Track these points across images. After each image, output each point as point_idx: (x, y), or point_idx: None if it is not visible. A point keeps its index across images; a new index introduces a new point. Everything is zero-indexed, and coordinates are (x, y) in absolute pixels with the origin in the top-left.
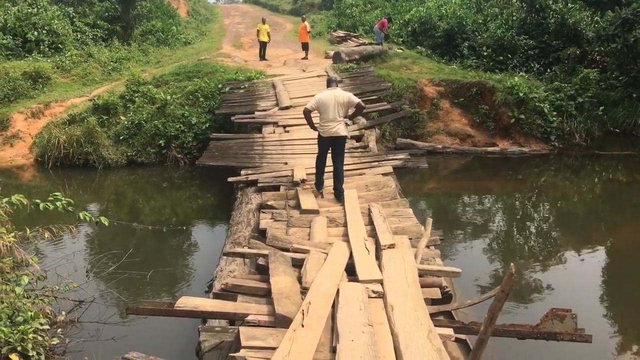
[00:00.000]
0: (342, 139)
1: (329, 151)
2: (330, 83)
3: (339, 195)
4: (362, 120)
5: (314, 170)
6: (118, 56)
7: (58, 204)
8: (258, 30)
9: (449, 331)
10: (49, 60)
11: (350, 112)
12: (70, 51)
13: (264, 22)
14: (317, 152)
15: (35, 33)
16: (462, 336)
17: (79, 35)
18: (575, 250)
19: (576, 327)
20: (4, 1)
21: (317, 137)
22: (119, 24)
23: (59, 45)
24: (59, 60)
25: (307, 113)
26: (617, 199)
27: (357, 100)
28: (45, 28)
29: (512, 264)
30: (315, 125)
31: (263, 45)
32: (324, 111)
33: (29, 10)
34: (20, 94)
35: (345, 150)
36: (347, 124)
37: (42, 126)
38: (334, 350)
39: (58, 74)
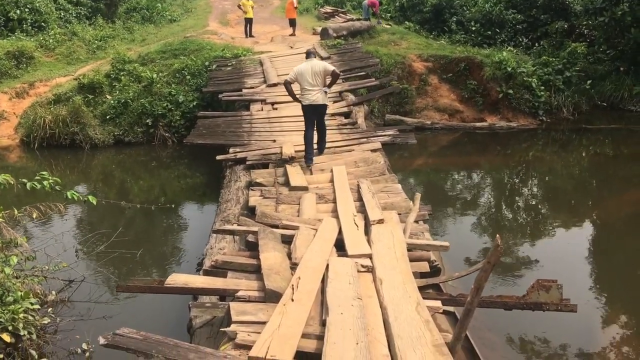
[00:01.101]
0: (322, 107)
1: (315, 124)
2: (308, 54)
3: (320, 150)
4: (351, 97)
5: (302, 147)
6: (103, 34)
7: (45, 183)
8: (240, 6)
9: (437, 303)
10: (32, 39)
11: (328, 80)
12: (53, 30)
13: None
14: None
15: (18, 11)
16: (450, 308)
17: (62, 14)
18: (562, 223)
19: (562, 297)
20: None
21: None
22: (102, 2)
23: (42, 23)
24: (43, 39)
25: (287, 85)
26: (604, 173)
27: (332, 68)
28: (28, 6)
29: (497, 235)
30: (297, 95)
31: (248, 22)
32: (302, 81)
33: None
34: (3, 74)
35: (334, 127)
36: (325, 92)
37: (27, 106)
38: (323, 324)
39: (42, 53)
